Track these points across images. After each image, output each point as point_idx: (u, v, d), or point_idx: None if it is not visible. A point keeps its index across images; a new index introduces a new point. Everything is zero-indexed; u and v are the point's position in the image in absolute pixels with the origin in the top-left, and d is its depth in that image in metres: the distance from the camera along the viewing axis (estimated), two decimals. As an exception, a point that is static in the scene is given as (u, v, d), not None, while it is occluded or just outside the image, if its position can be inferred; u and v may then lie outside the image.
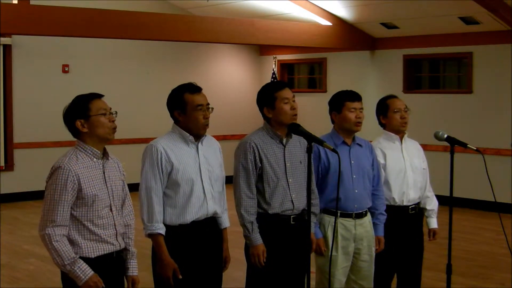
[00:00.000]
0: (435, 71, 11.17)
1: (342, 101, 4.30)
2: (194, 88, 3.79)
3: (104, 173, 3.39)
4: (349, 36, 11.03)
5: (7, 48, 10.62)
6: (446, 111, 10.45)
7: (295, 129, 3.71)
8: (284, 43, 10.59)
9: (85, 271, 3.24)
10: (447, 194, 4.29)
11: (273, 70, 12.57)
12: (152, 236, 3.69)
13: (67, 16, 8.45)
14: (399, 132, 4.66)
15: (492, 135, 9.86)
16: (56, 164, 3.31)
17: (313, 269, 4.00)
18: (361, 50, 11.48)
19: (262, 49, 13.29)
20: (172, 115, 3.83)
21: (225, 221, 3.95)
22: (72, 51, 11.16)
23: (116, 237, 3.42)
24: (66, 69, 11.18)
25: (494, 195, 4.81)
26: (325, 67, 12.27)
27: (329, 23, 10.80)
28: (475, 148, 4.40)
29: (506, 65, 9.70)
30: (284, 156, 4.04)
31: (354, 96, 4.32)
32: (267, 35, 10.25)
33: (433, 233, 4.85)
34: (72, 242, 3.28)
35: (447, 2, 9.21)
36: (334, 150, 3.60)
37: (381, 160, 4.55)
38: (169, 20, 9.43)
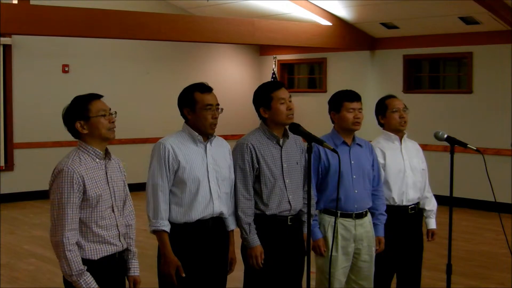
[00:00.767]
0: (435, 71, 11.17)
1: (340, 101, 4.30)
2: (204, 88, 3.86)
3: (106, 173, 3.37)
4: (349, 36, 11.03)
5: (7, 48, 10.63)
6: (446, 111, 10.45)
7: (296, 129, 3.72)
8: (284, 43, 10.59)
9: (89, 285, 3.22)
10: (447, 194, 4.30)
11: (273, 70, 12.56)
12: (157, 232, 3.70)
13: (67, 16, 8.45)
14: (398, 131, 4.67)
15: (492, 135, 9.86)
16: (59, 166, 3.27)
17: (313, 269, 4.00)
18: (361, 50, 11.48)
19: (262, 49, 13.29)
20: (181, 113, 3.86)
21: (233, 223, 3.95)
22: (72, 51, 11.15)
23: (119, 237, 3.41)
24: (66, 69, 11.18)
25: (494, 195, 4.82)
26: (325, 67, 12.26)
27: (329, 23, 10.80)
28: (475, 148, 4.41)
29: (506, 65, 9.70)
30: (281, 157, 4.03)
31: (353, 96, 4.31)
32: (267, 35, 10.25)
33: (431, 233, 4.84)
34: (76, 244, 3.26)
35: (447, 2, 9.21)
36: (334, 150, 3.60)
37: (381, 160, 4.55)
38: (169, 20, 9.43)
